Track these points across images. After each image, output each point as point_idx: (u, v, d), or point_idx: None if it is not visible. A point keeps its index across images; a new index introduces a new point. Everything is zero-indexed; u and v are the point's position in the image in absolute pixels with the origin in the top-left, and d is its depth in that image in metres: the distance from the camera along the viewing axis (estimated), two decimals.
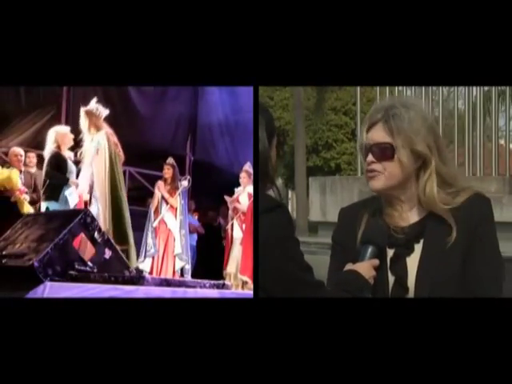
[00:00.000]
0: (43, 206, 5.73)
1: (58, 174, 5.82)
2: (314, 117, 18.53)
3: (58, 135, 5.96)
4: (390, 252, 2.05)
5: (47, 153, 5.91)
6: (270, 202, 1.92)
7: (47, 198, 5.72)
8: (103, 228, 5.39)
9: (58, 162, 5.85)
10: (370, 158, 2.01)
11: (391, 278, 2.03)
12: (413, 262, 2.02)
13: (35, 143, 7.31)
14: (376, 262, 2.02)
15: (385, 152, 1.99)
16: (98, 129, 5.88)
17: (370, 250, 2.03)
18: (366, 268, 2.00)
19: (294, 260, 1.90)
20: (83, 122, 5.86)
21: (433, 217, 2.01)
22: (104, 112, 5.91)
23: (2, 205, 6.21)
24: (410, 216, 2.05)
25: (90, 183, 5.81)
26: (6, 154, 7.22)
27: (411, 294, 2.00)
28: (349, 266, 2.03)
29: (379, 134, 2.00)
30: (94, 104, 5.93)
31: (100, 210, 5.62)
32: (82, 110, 5.89)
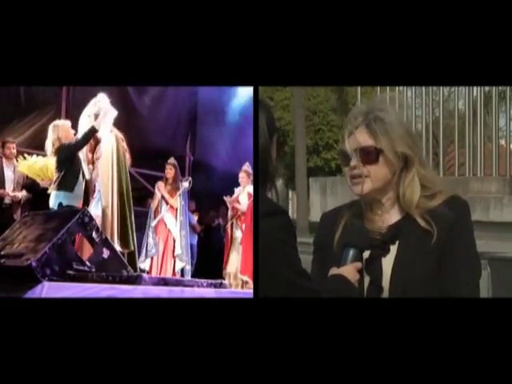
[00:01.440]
0: (55, 197, 5.42)
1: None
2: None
3: (60, 130, 5.64)
4: (366, 253, 2.06)
5: (51, 147, 5.59)
6: (271, 207, 1.91)
7: (61, 189, 5.43)
8: (108, 230, 5.40)
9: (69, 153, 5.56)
10: (355, 162, 2.02)
11: (366, 278, 2.04)
12: (388, 262, 2.03)
13: (35, 144, 7.25)
14: (359, 264, 2.02)
15: (369, 155, 2.00)
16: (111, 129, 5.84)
17: (351, 252, 2.03)
18: (350, 272, 2.00)
19: (292, 266, 1.89)
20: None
21: (409, 218, 2.03)
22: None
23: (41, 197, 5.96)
24: (388, 217, 2.07)
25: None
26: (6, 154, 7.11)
27: (385, 293, 2.01)
28: (333, 271, 2.03)
29: (362, 138, 2.01)
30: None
31: (104, 213, 5.58)
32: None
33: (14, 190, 6.67)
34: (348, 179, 2.07)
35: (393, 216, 2.06)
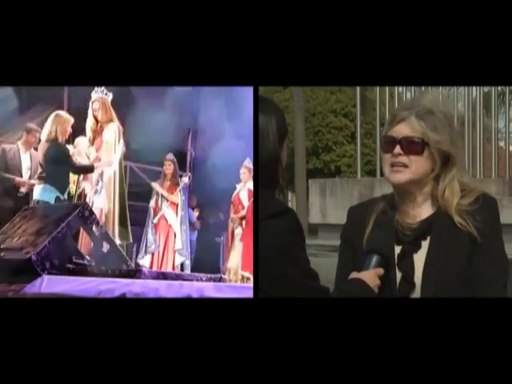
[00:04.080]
0: (46, 191, 5.36)
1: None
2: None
3: (59, 122, 5.51)
4: (398, 249, 2.06)
5: (46, 135, 5.49)
6: (280, 207, 1.92)
7: (53, 186, 5.37)
8: (110, 222, 5.42)
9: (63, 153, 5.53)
10: (398, 150, 2.02)
11: (398, 275, 2.05)
12: (420, 258, 2.03)
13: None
14: (381, 270, 2.03)
15: (415, 146, 2.01)
16: (111, 119, 5.86)
17: (374, 259, 2.04)
18: (370, 277, 2.01)
19: (301, 267, 1.90)
20: (100, 114, 5.80)
21: (441, 214, 2.04)
22: (110, 96, 5.89)
23: None
24: (420, 212, 2.07)
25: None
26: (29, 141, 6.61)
27: (417, 290, 2.02)
28: (354, 275, 2.04)
29: (412, 128, 2.01)
30: (102, 91, 5.85)
31: (105, 204, 5.62)
32: (99, 102, 5.80)
33: (30, 178, 6.32)
34: (387, 167, 2.06)
35: (424, 211, 2.07)
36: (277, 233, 1.87)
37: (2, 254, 4.02)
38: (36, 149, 6.51)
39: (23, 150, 6.46)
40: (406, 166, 2.02)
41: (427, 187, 2.06)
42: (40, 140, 5.70)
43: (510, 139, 10.30)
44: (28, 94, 7.90)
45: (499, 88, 10.02)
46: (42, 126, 6.58)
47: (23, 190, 6.30)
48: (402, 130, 2.03)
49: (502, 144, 11.81)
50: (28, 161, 6.46)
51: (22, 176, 6.38)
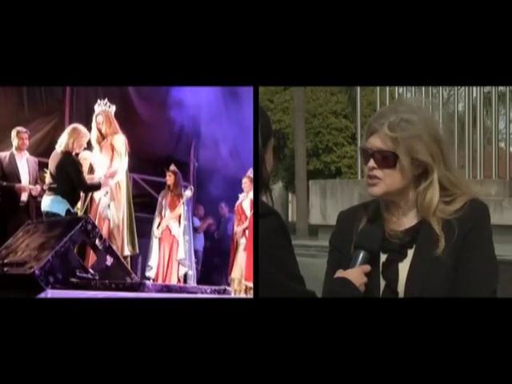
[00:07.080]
0: (57, 203, 5.33)
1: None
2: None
3: (76, 136, 5.43)
4: (383, 257, 2.04)
5: (61, 146, 5.42)
6: (263, 209, 1.91)
7: (65, 198, 5.33)
8: (119, 234, 5.43)
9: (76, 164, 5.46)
10: (372, 163, 2.00)
11: (382, 282, 2.03)
12: (404, 266, 2.01)
13: (39, 151, 7.20)
14: (367, 268, 2.00)
15: (387, 159, 1.98)
16: (115, 132, 5.87)
17: (361, 255, 2.02)
18: (356, 275, 1.99)
19: (284, 269, 1.88)
20: (104, 127, 5.81)
21: (426, 222, 2.01)
22: (113, 109, 5.89)
23: None
24: (406, 221, 2.05)
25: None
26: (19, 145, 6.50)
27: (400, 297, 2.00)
28: (339, 273, 2.02)
29: (382, 141, 1.98)
30: (106, 104, 5.86)
31: (115, 216, 5.63)
32: (103, 115, 5.80)
33: (30, 184, 6.28)
34: (366, 178, 2.05)
35: (411, 219, 2.04)
36: (260, 234, 1.86)
37: (6, 269, 4.01)
38: (28, 151, 6.46)
39: (19, 156, 6.38)
40: (379, 178, 1.99)
41: (410, 195, 2.03)
42: (45, 145, 5.69)
43: (511, 140, 10.31)
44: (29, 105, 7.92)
45: (500, 88, 10.04)
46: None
47: (24, 197, 6.25)
48: (374, 143, 2.00)
49: (502, 145, 11.83)
50: (25, 166, 6.38)
51: (20, 181, 6.30)
